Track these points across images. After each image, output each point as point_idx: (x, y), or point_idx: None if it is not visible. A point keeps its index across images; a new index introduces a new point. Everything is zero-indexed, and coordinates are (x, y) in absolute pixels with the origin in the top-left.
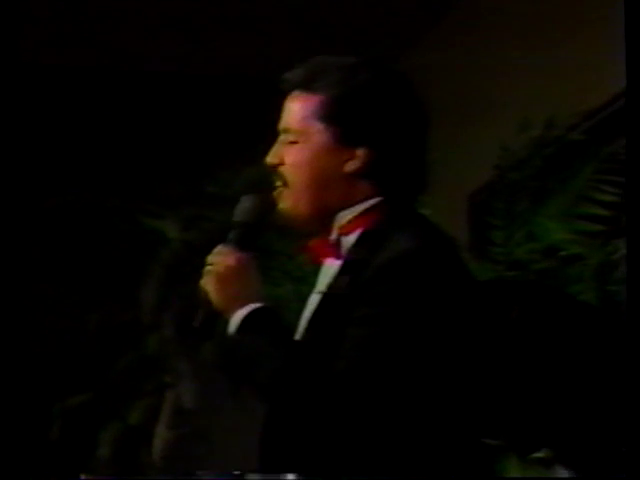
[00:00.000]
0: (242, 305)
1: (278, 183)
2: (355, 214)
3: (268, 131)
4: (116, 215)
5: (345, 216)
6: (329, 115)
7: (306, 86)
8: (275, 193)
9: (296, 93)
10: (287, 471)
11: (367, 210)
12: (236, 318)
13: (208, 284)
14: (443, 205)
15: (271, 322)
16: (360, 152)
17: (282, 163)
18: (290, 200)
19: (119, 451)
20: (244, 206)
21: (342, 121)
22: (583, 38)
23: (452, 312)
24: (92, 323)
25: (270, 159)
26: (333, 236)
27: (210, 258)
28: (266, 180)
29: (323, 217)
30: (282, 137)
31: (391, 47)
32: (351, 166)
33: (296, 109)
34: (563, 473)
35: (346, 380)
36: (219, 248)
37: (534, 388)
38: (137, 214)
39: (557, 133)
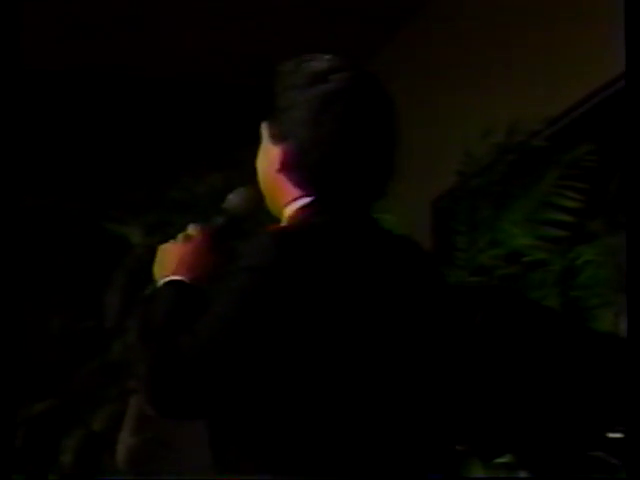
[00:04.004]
0: (167, 275)
1: None
2: (291, 211)
3: (231, 137)
4: (79, 220)
5: (286, 212)
6: (268, 114)
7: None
8: None
9: None
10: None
11: (301, 208)
12: (156, 285)
13: (160, 250)
14: (407, 210)
15: (177, 290)
16: (281, 148)
17: None
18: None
19: (82, 457)
20: (234, 197)
21: (272, 117)
22: (546, 45)
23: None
24: (55, 329)
25: None
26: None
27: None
28: (230, 186)
29: (276, 212)
30: None
31: (357, 50)
32: (278, 164)
33: None
34: (526, 478)
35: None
36: (190, 226)
37: (498, 393)
38: (100, 219)
39: (520, 139)
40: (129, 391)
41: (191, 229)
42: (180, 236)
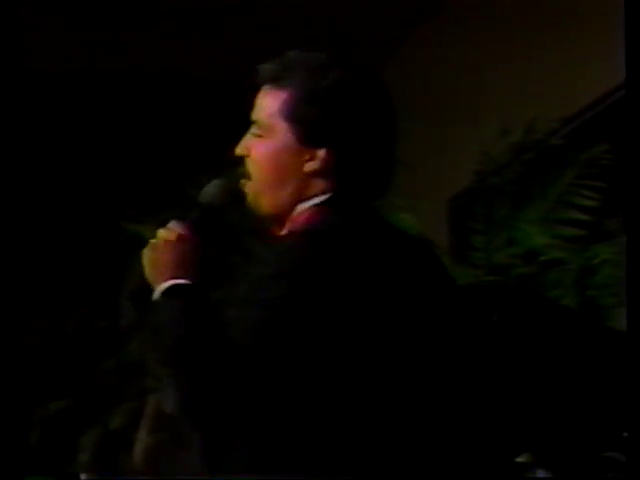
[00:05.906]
0: (167, 279)
1: (245, 174)
2: (303, 209)
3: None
4: (95, 219)
5: (299, 209)
6: (293, 115)
7: (275, 82)
8: (241, 183)
9: (267, 87)
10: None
11: (317, 205)
12: (158, 290)
13: (144, 254)
14: (424, 209)
15: (188, 297)
16: (321, 153)
17: (249, 155)
18: (251, 192)
19: (100, 456)
20: (210, 189)
21: (305, 122)
22: (562, 44)
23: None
24: (73, 327)
25: (238, 150)
26: (285, 229)
27: (158, 231)
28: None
29: (280, 212)
30: (252, 129)
31: (374, 51)
32: (311, 166)
33: (264, 104)
34: (544, 478)
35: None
36: (171, 223)
37: (515, 392)
38: (116, 218)
39: (537, 138)
40: (146, 390)
41: (172, 225)
42: (161, 233)
